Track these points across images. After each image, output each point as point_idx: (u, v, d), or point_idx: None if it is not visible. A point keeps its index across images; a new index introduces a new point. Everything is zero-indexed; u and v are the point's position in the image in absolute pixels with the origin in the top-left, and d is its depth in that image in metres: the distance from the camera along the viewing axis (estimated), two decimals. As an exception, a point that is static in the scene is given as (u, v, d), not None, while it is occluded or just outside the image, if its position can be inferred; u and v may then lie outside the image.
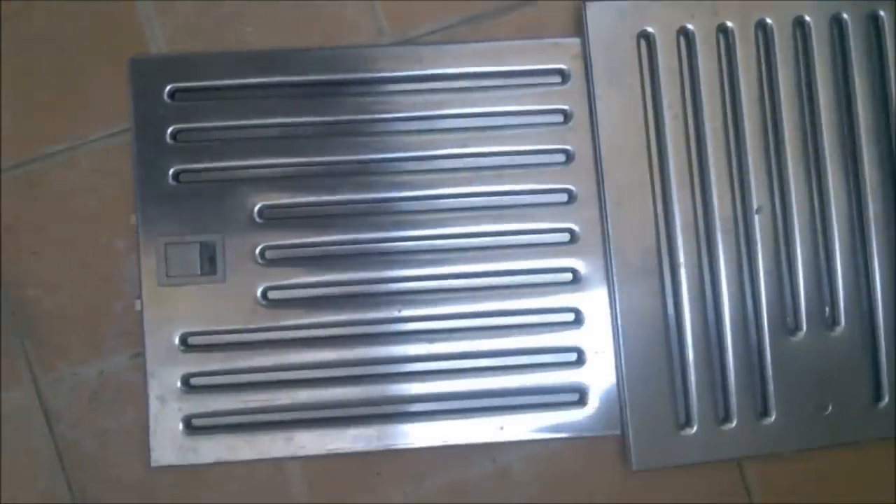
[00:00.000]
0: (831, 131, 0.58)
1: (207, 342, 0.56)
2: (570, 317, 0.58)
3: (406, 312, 0.57)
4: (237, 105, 0.57)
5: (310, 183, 0.57)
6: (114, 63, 0.57)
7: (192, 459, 0.55)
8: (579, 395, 0.58)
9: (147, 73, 0.56)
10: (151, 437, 0.55)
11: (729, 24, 0.57)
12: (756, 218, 0.57)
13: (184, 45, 0.57)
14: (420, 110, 0.57)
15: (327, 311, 0.57)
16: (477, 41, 0.58)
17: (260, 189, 0.57)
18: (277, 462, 0.56)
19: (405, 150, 0.58)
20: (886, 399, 0.58)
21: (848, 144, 0.58)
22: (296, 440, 0.56)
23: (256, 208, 0.57)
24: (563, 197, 0.58)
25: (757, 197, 0.58)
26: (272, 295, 0.56)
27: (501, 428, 0.57)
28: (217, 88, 0.57)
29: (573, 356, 0.58)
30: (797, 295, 0.58)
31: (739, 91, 0.57)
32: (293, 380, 0.57)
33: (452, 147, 0.58)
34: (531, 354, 0.58)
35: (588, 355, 0.58)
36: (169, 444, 0.55)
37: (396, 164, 0.58)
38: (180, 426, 0.56)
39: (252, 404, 0.56)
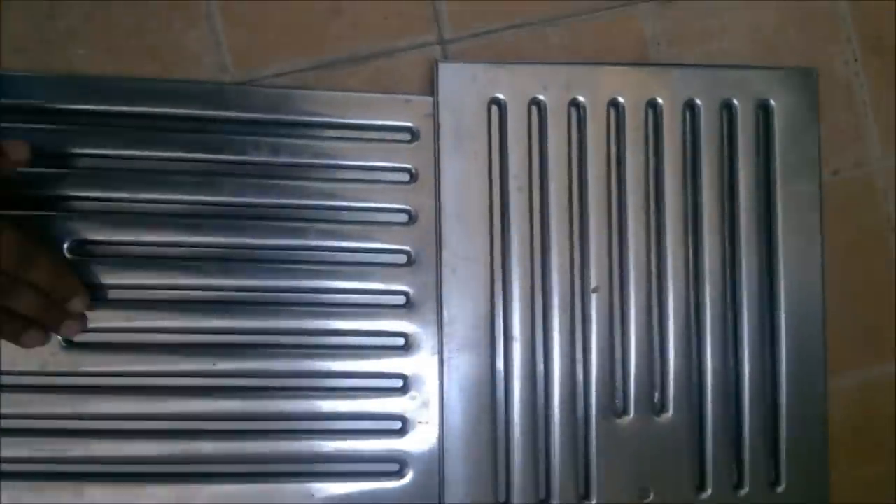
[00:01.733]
0: (674, 215, 0.58)
1: None
2: (399, 383, 0.56)
3: (221, 366, 0.54)
4: (59, 132, 0.54)
5: (126, 220, 0.54)
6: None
7: (-32, 509, 0.51)
8: (399, 467, 0.56)
9: (-38, 88, 0.52)
10: (-77, 483, 0.51)
11: (581, 98, 0.57)
12: (593, 297, 0.57)
13: (8, 62, 0.54)
14: (258, 155, 0.55)
15: (134, 358, 0.53)
16: (326, 90, 0.56)
17: (72, 223, 0.53)
18: (65, 517, 0.53)
19: (237, 195, 0.55)
20: (709, 491, 0.57)
21: (689, 230, 0.58)
22: (86, 494, 0.52)
23: (66, 244, 0.53)
24: (403, 258, 0.57)
25: (596, 276, 0.57)
26: (74, 337, 0.53)
27: (313, 496, 0.55)
28: (39, 111, 0.53)
29: (398, 424, 0.56)
30: (627, 378, 0.57)
31: (587, 168, 0.57)
32: (89, 430, 0.53)
33: (290, 197, 0.56)
34: (353, 420, 0.56)
35: (413, 425, 0.56)
36: (-57, 491, 0.51)
37: (225, 208, 0.55)
38: (-37, 471, 0.51)
39: (42, 453, 0.53)
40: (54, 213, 0.53)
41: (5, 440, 0.52)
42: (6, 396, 0.52)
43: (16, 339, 0.49)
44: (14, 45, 0.54)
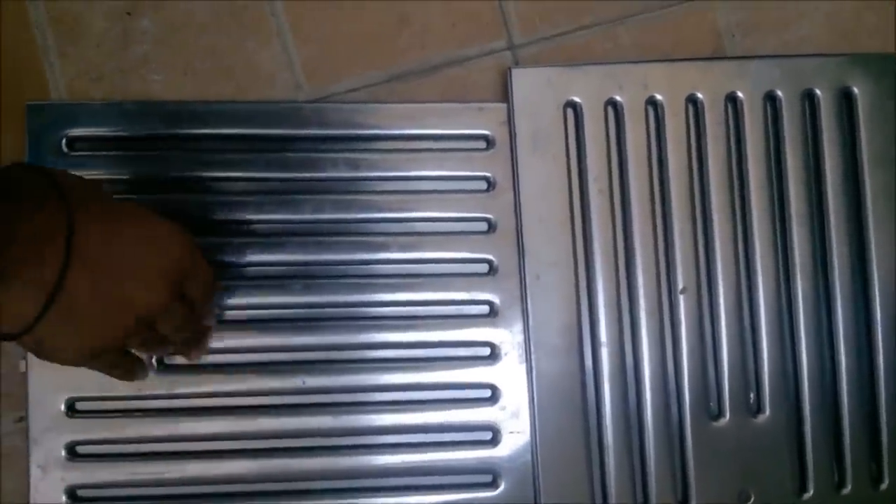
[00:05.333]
0: (761, 210, 0.57)
1: (95, 408, 0.54)
2: (487, 393, 0.56)
3: (311, 383, 0.55)
4: (140, 158, 0.55)
5: (216, 243, 0.55)
6: (13, 107, 0.54)
7: (73, 535, 0.52)
8: (493, 477, 0.56)
9: (45, 119, 0.54)
10: (31, 510, 0.52)
11: (658, 96, 0.56)
12: (681, 298, 0.56)
13: (87, 91, 0.55)
14: (336, 171, 0.56)
15: (225, 378, 0.54)
16: (400, 102, 0.56)
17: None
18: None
19: (318, 212, 0.55)
20: (811, 492, 0.56)
21: (777, 224, 0.57)
22: (185, 517, 0.53)
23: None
24: (484, 267, 0.56)
25: (683, 276, 0.56)
26: (168, 359, 0.53)
27: (408, 509, 0.54)
28: (119, 139, 0.55)
29: (488, 435, 0.56)
30: (721, 379, 0.56)
31: (668, 166, 0.56)
32: (185, 451, 0.54)
33: (370, 211, 0.56)
34: (444, 432, 0.56)
35: (503, 435, 0.56)
36: (49, 518, 0.52)
37: (307, 226, 0.56)
38: (63, 498, 0.53)
39: (141, 476, 0.53)
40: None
41: (104, 464, 0.53)
42: (104, 422, 0.53)
43: (132, 375, 0.50)
44: (90, 73, 0.55)
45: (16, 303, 0.37)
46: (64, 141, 0.54)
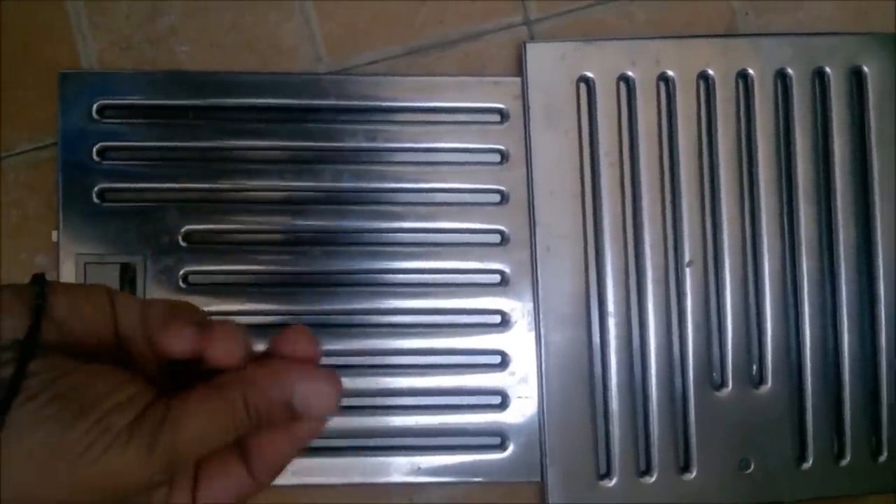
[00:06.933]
0: (769, 187, 0.58)
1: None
2: (497, 359, 0.58)
3: (328, 346, 0.57)
4: (167, 126, 0.57)
5: (238, 209, 0.57)
6: (45, 76, 0.56)
7: None
8: (500, 440, 0.58)
9: (76, 88, 0.56)
10: None
11: (670, 73, 0.57)
12: (687, 271, 0.57)
13: (116, 60, 0.57)
14: (355, 142, 0.57)
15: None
16: (417, 75, 0.58)
17: (186, 213, 0.57)
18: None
19: (336, 181, 0.57)
20: (810, 462, 0.58)
21: (784, 202, 0.58)
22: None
23: (182, 232, 0.56)
24: (497, 238, 0.58)
25: (690, 250, 0.58)
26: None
27: (419, 468, 0.57)
28: (147, 108, 0.57)
29: (497, 399, 0.58)
30: (725, 350, 0.58)
31: (678, 142, 0.57)
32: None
33: (387, 181, 0.58)
34: (455, 395, 0.58)
35: (512, 400, 0.58)
36: None
37: (327, 194, 0.58)
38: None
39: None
40: (164, 204, 0.56)
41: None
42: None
43: None
44: (120, 44, 0.58)
45: None
46: (94, 108, 0.57)
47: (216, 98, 0.57)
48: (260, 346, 0.49)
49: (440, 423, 0.58)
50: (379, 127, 0.58)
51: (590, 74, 0.58)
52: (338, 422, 0.57)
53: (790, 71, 0.59)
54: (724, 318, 0.59)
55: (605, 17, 0.59)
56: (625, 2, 0.59)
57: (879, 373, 0.59)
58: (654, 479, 0.57)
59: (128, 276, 0.56)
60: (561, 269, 0.58)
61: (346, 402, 0.58)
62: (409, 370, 0.58)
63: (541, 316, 0.58)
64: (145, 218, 0.57)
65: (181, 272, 0.57)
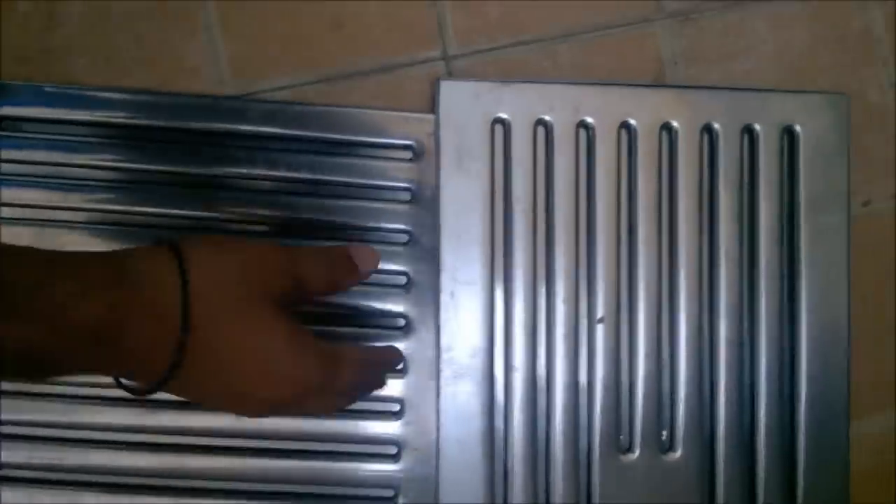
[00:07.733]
0: (689, 246, 0.55)
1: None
2: (395, 407, 0.55)
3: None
4: (57, 141, 0.54)
5: (119, 233, 0.53)
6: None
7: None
8: (394, 492, 0.54)
9: (-39, 96, 0.53)
10: None
11: (590, 120, 0.54)
12: (599, 328, 0.54)
13: (9, 71, 0.54)
14: (253, 169, 0.54)
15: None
16: (325, 105, 0.55)
17: (73, 231, 0.53)
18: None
19: (230, 209, 0.54)
20: (719, 536, 0.55)
21: (705, 261, 0.55)
22: (82, 502, 0.52)
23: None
24: (401, 279, 0.55)
25: (603, 306, 0.55)
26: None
27: (301, 523, 0.53)
28: (37, 120, 0.53)
29: (393, 449, 0.55)
30: (634, 413, 0.55)
31: (595, 193, 0.55)
32: (85, 439, 0.53)
33: (282, 211, 0.55)
34: (348, 443, 0.55)
35: (408, 450, 0.54)
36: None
37: (219, 223, 0.55)
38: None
39: (39, 460, 0.53)
40: (47, 221, 0.53)
41: (5, 444, 0.52)
42: (6, 402, 0.52)
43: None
44: (15, 54, 0.54)
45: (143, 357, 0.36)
46: (-20, 119, 0.53)
47: (107, 115, 0.54)
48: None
49: (330, 470, 0.55)
50: (280, 155, 0.55)
51: (505, 116, 0.55)
52: (220, 462, 0.54)
53: (717, 126, 0.56)
54: (635, 380, 0.56)
55: (527, 58, 0.57)
56: (550, 42, 0.57)
57: (797, 449, 0.56)
58: (552, 547, 0.54)
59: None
60: (465, 318, 0.55)
61: (229, 443, 0.54)
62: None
63: (441, 367, 0.55)
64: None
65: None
